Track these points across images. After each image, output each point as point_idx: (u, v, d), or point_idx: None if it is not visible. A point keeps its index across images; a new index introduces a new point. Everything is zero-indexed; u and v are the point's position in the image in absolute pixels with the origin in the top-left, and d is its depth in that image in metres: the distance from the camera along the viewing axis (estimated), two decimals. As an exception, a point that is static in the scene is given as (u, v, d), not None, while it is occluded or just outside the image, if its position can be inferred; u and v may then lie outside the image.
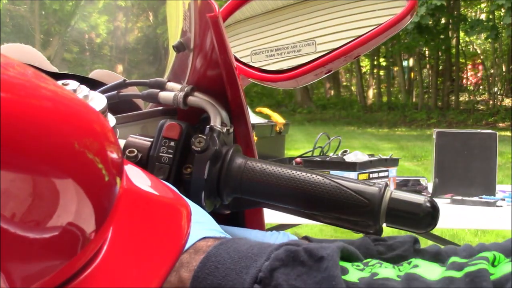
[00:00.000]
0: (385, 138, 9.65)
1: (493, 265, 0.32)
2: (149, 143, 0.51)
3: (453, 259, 0.33)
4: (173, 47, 0.57)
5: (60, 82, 0.41)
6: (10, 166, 0.22)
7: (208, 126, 0.53)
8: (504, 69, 14.17)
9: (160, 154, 0.50)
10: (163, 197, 0.37)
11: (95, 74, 0.69)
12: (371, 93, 16.39)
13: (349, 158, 2.59)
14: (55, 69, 0.68)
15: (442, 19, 13.10)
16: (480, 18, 13.68)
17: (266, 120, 3.58)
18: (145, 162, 0.51)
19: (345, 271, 0.34)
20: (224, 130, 0.53)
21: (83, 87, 0.44)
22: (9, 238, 0.22)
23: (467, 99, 14.55)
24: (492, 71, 14.59)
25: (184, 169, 0.50)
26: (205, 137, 0.49)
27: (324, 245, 0.35)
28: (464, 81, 15.52)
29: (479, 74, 15.46)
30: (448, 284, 0.30)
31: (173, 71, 0.65)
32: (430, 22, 11.43)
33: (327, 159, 2.60)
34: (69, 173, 0.25)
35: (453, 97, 14.22)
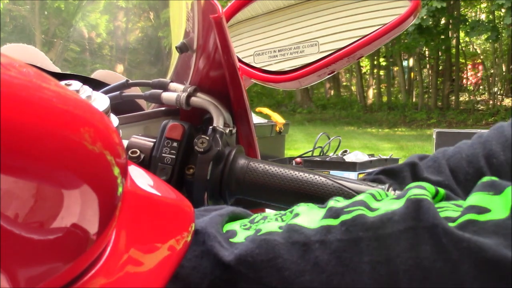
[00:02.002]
0: (385, 138, 9.65)
1: (376, 199, 0.32)
2: (152, 143, 0.51)
3: (330, 203, 0.33)
4: (176, 47, 0.57)
5: (63, 83, 0.41)
6: (12, 168, 0.22)
7: (210, 127, 0.53)
8: (504, 69, 14.17)
9: (163, 154, 0.50)
10: (167, 197, 0.37)
11: (98, 74, 0.69)
12: (371, 93, 16.40)
13: (349, 158, 2.60)
14: (57, 70, 0.68)
15: (442, 19, 13.11)
16: (480, 18, 13.69)
17: (266, 120, 3.59)
18: (148, 162, 0.51)
19: (233, 233, 0.34)
20: (227, 131, 0.53)
21: (86, 87, 0.44)
22: (13, 239, 0.22)
23: (467, 99, 14.56)
24: (492, 71, 14.60)
25: (186, 170, 0.50)
26: (207, 138, 0.49)
27: (202, 219, 0.36)
28: (464, 81, 15.53)
29: (479, 74, 15.46)
30: (326, 234, 0.31)
31: (175, 71, 0.65)
32: (430, 23, 11.43)
33: (327, 159, 2.61)
34: (73, 174, 0.25)
35: (453, 97, 14.23)
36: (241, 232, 0.34)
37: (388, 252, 0.28)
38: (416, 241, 0.28)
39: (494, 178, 0.30)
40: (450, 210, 0.29)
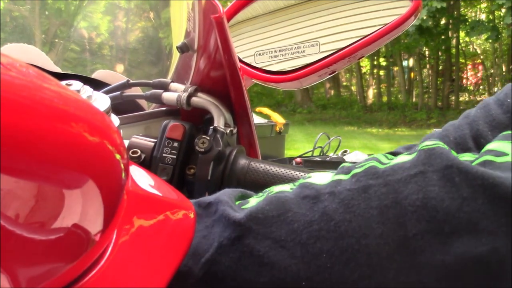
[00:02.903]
0: (385, 138, 9.65)
1: (388, 158, 0.32)
2: (153, 143, 0.51)
3: (343, 164, 0.33)
4: (177, 48, 0.57)
5: (63, 83, 0.41)
6: (13, 168, 0.22)
7: (211, 127, 0.53)
8: (504, 69, 14.17)
9: (164, 154, 0.50)
10: (168, 197, 0.37)
11: (98, 74, 0.68)
12: (371, 93, 16.40)
13: (349, 158, 2.59)
14: (58, 70, 0.68)
15: (442, 19, 13.11)
16: (480, 18, 13.69)
17: (266, 120, 3.59)
18: (149, 162, 0.51)
19: (245, 202, 0.35)
20: (228, 131, 0.53)
21: (87, 87, 0.44)
22: (14, 239, 0.22)
23: (467, 99, 14.56)
24: (492, 71, 14.59)
25: (187, 170, 0.50)
26: (208, 138, 0.49)
27: (214, 195, 0.36)
28: (464, 81, 15.53)
29: (479, 74, 15.46)
30: (336, 186, 0.30)
31: (176, 71, 0.65)
32: (430, 23, 11.44)
33: (327, 159, 2.61)
34: (74, 175, 0.25)
35: (453, 97, 14.23)
36: (253, 199, 0.35)
37: (396, 195, 0.28)
38: (425, 183, 0.27)
39: None
40: (467, 156, 0.29)
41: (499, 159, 0.27)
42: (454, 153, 0.29)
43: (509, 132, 0.29)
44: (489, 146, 0.29)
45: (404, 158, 0.30)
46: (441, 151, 0.28)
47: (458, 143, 0.45)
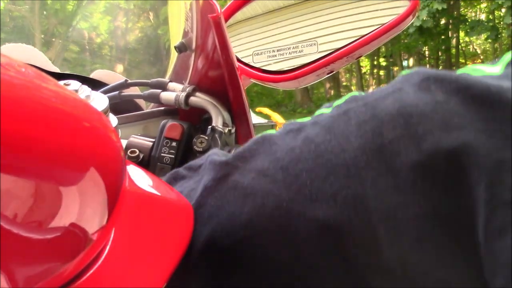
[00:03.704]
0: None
1: None
2: (151, 143, 0.51)
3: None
4: (175, 47, 0.57)
5: (61, 82, 0.41)
6: (11, 168, 0.22)
7: (209, 127, 0.53)
8: (504, 69, 14.14)
9: (162, 154, 0.50)
10: (166, 197, 0.37)
11: (97, 74, 0.68)
12: (371, 93, 16.36)
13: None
14: (56, 69, 0.68)
15: (442, 19, 13.11)
16: (480, 18, 13.68)
17: (266, 120, 3.58)
18: (147, 162, 0.51)
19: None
20: (226, 131, 0.53)
21: (85, 87, 0.44)
22: (11, 238, 0.22)
23: (467, 99, 14.52)
24: (492, 71, 14.56)
25: None
26: (206, 138, 0.49)
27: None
28: (464, 81, 15.50)
29: (479, 74, 15.43)
30: (318, 117, 0.31)
31: (174, 71, 0.65)
32: (430, 24, 11.44)
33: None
34: (71, 174, 0.25)
35: (453, 97, 14.19)
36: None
37: (374, 110, 0.28)
38: (402, 95, 0.28)
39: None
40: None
41: (475, 72, 0.28)
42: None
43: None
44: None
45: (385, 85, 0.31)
46: (419, 69, 0.29)
47: None
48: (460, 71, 0.28)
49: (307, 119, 0.33)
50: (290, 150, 0.30)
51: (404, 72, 0.30)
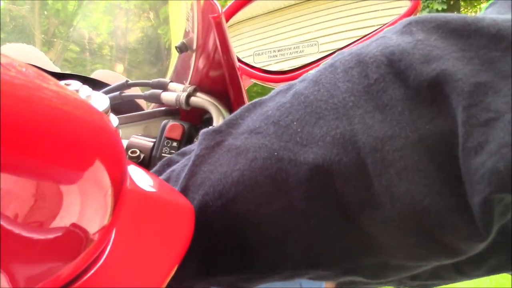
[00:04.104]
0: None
1: None
2: (152, 143, 0.51)
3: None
4: (176, 47, 0.57)
5: (62, 83, 0.41)
6: (12, 168, 0.22)
7: (210, 127, 0.53)
8: (504, 70, 14.18)
9: (163, 154, 0.50)
10: (166, 197, 0.37)
11: (97, 74, 0.69)
12: (371, 93, 16.41)
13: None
14: (57, 69, 0.68)
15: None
16: (480, 18, 13.69)
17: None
18: (148, 162, 0.51)
19: None
20: (227, 131, 0.53)
21: (86, 87, 0.44)
22: (12, 238, 0.22)
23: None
24: (492, 72, 14.60)
25: None
26: (207, 138, 0.49)
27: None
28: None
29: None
30: (306, 75, 0.32)
31: (175, 71, 0.65)
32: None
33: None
34: (72, 174, 0.25)
35: (453, 98, 14.24)
36: None
37: (359, 56, 0.29)
38: (385, 40, 0.29)
39: None
40: None
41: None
42: None
43: None
44: None
45: None
46: (402, 19, 0.30)
47: None
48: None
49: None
50: (280, 106, 0.31)
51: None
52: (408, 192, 0.26)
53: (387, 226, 0.27)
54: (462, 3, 13.41)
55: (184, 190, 0.34)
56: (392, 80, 0.27)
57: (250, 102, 0.34)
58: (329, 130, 0.28)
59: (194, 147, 0.37)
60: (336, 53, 0.32)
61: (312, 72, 0.32)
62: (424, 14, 0.29)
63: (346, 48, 0.64)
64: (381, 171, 0.26)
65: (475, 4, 13.88)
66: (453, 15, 0.27)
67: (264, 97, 0.34)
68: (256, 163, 0.30)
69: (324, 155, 0.28)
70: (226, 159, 0.31)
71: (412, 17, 0.29)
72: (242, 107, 0.34)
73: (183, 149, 0.38)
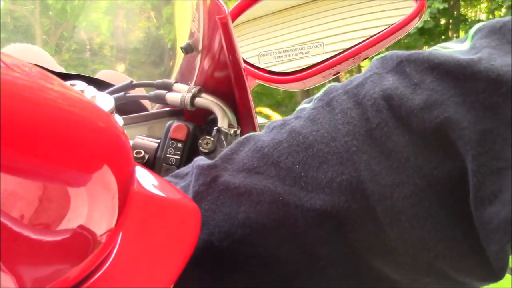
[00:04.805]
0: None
1: None
2: (156, 144, 0.51)
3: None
4: (181, 48, 0.56)
5: (67, 83, 0.41)
6: (18, 169, 0.22)
7: (215, 128, 0.52)
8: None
9: (167, 155, 0.50)
10: (172, 198, 0.37)
11: (102, 74, 0.68)
12: (371, 93, 16.41)
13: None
14: (62, 70, 0.68)
15: (442, 19, 13.13)
16: (480, 18, 13.70)
17: (266, 120, 3.59)
18: (152, 163, 0.51)
19: None
20: (231, 132, 0.53)
21: (91, 87, 0.44)
22: (20, 240, 0.22)
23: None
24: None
25: None
26: (212, 139, 0.49)
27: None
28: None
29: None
30: (301, 111, 0.32)
31: (180, 72, 0.65)
32: (432, 24, 11.46)
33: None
34: (80, 176, 0.25)
35: (454, 98, 14.23)
36: None
37: (356, 97, 0.29)
38: (380, 80, 0.29)
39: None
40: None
41: (443, 50, 0.29)
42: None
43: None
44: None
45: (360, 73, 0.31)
46: (392, 54, 0.30)
47: None
48: (430, 49, 0.29)
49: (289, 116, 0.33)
50: (277, 144, 0.31)
51: (376, 57, 0.31)
52: (421, 239, 0.26)
53: (400, 268, 0.27)
54: (462, 3, 13.41)
55: None
56: (395, 125, 0.27)
57: (244, 136, 0.34)
58: (335, 176, 0.28)
59: (187, 170, 0.37)
60: (328, 87, 0.32)
61: (307, 109, 0.32)
62: (414, 52, 0.29)
63: (352, 49, 0.64)
64: (392, 219, 0.26)
65: (475, 4, 13.88)
66: (442, 55, 0.27)
67: (257, 133, 0.34)
68: (261, 206, 0.30)
69: (332, 202, 0.28)
70: (228, 199, 0.31)
71: (402, 54, 0.29)
72: (235, 141, 0.34)
73: (177, 171, 0.38)
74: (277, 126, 0.32)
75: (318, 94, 0.32)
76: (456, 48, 0.29)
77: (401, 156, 0.26)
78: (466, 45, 0.29)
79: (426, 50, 0.29)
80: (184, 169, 0.37)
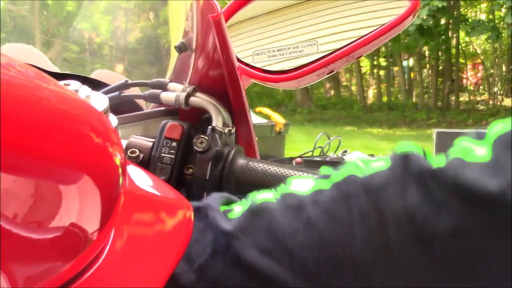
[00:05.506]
0: (385, 138, 9.65)
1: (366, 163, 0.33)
2: (151, 143, 0.51)
3: (323, 171, 0.34)
4: (175, 47, 0.57)
5: (62, 83, 0.41)
6: (11, 168, 0.22)
7: (210, 127, 0.53)
8: (504, 69, 14.17)
9: (162, 154, 0.50)
10: (166, 197, 0.37)
11: (97, 74, 0.69)
12: (371, 93, 16.41)
13: (349, 158, 2.59)
14: (56, 69, 0.68)
15: (442, 19, 13.11)
16: (480, 18, 13.68)
17: (266, 120, 3.59)
18: (147, 162, 0.51)
19: (229, 210, 0.35)
20: (226, 131, 0.53)
21: (85, 87, 0.44)
22: (11, 238, 0.22)
23: (467, 99, 14.55)
24: (492, 71, 14.59)
25: (186, 170, 0.50)
26: (207, 138, 0.49)
27: (202, 201, 0.37)
28: (464, 81, 15.52)
29: (479, 74, 15.45)
30: (318, 195, 0.31)
31: (175, 71, 0.65)
32: (431, 23, 11.44)
33: (327, 159, 2.61)
34: (71, 174, 0.25)
35: (453, 97, 14.22)
36: (237, 207, 0.35)
37: (377, 203, 0.28)
38: (403, 188, 0.28)
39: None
40: (438, 160, 0.30)
41: (467, 157, 0.28)
42: (429, 156, 0.30)
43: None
44: (457, 144, 0.30)
45: (380, 164, 0.31)
46: (415, 157, 0.29)
47: None
48: (452, 154, 0.29)
49: (304, 188, 0.33)
50: (292, 234, 0.30)
51: (397, 151, 0.30)
52: None
53: None
54: (462, 3, 13.39)
55: (197, 278, 0.33)
56: (415, 245, 0.27)
57: (260, 205, 0.33)
58: (348, 284, 0.28)
59: (199, 205, 0.36)
60: (347, 173, 0.31)
61: (325, 195, 0.31)
62: (438, 168, 0.28)
63: (345, 48, 0.64)
64: None
65: (475, 4, 13.85)
66: (468, 176, 0.26)
67: (273, 205, 0.33)
68: None
69: None
70: (239, 272, 0.31)
71: (427, 167, 0.28)
72: (250, 209, 0.33)
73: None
74: (294, 207, 0.32)
75: (338, 177, 0.32)
76: (477, 152, 0.28)
77: (418, 280, 0.26)
78: (486, 154, 0.28)
79: (449, 162, 0.28)
80: (196, 203, 0.37)
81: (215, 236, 0.33)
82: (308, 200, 0.32)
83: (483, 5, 13.94)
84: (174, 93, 0.56)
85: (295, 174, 0.49)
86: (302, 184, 0.33)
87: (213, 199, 0.37)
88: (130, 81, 0.59)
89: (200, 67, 0.57)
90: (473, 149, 0.28)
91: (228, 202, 0.38)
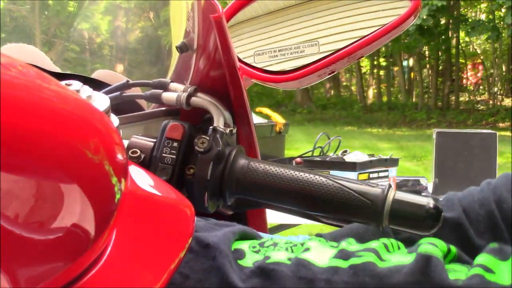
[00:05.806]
0: (385, 138, 9.65)
1: (388, 250, 0.33)
2: (152, 143, 0.51)
3: (343, 245, 0.34)
4: (176, 47, 0.57)
5: (63, 83, 0.41)
6: (13, 168, 0.22)
7: (211, 127, 0.53)
8: (504, 69, 14.18)
9: (163, 154, 0.50)
10: (167, 198, 0.37)
11: (98, 74, 0.69)
12: (371, 93, 16.41)
13: (349, 158, 2.59)
14: (57, 69, 0.68)
15: (442, 19, 13.11)
16: (480, 18, 13.69)
17: (266, 120, 3.58)
18: (148, 162, 0.51)
19: (242, 254, 0.35)
20: (227, 131, 0.53)
21: (86, 87, 0.44)
22: (13, 239, 0.22)
23: (467, 99, 14.56)
24: (492, 71, 14.60)
25: (187, 170, 0.50)
26: (208, 138, 0.49)
27: (214, 233, 0.37)
28: (464, 81, 15.53)
29: (479, 74, 15.46)
30: (333, 274, 0.31)
31: (176, 71, 0.65)
32: (431, 23, 11.44)
33: (327, 159, 2.60)
34: (73, 174, 0.25)
35: (453, 97, 14.23)
36: (250, 254, 0.35)
37: None
38: None
39: (502, 244, 0.31)
40: (458, 272, 0.30)
41: (487, 276, 0.29)
42: (449, 267, 0.30)
43: (496, 245, 0.31)
44: (479, 260, 0.30)
45: (402, 259, 0.31)
46: (437, 263, 0.30)
47: (481, 203, 0.46)
48: (473, 270, 0.29)
49: (321, 261, 0.33)
50: None
51: (422, 249, 0.31)
52: None
53: None
54: (462, 3, 13.38)
55: None
56: None
57: (272, 264, 0.34)
58: None
59: (208, 241, 0.37)
60: (367, 263, 0.32)
61: (339, 274, 0.31)
62: (456, 274, 0.29)
63: (347, 49, 0.64)
64: None
65: (475, 4, 13.85)
66: None
67: (284, 266, 0.33)
68: None
69: None
70: None
71: (445, 281, 0.29)
72: (262, 269, 0.34)
73: (199, 237, 0.38)
74: (306, 279, 0.32)
75: (356, 261, 0.32)
76: (499, 277, 0.29)
77: None
78: (507, 278, 0.29)
79: (469, 278, 0.29)
80: (206, 238, 0.37)
81: (220, 284, 0.33)
82: (323, 277, 0.32)
83: (483, 5, 13.94)
84: (175, 93, 0.56)
85: (297, 174, 0.49)
86: (319, 254, 0.33)
87: (225, 239, 0.36)
88: (131, 81, 0.59)
89: (201, 67, 0.57)
90: (494, 266, 0.29)
91: (243, 237, 0.38)
